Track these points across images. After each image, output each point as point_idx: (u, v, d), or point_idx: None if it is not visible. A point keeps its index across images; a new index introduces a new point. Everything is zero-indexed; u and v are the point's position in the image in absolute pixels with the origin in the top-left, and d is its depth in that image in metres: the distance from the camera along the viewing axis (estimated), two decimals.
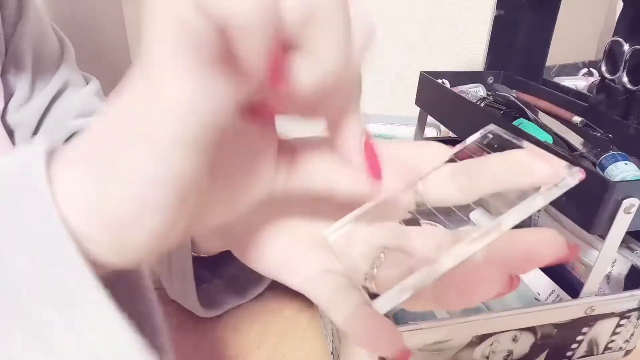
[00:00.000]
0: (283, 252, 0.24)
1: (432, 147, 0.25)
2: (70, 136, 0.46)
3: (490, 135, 0.23)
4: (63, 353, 0.15)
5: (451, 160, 0.23)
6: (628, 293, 0.32)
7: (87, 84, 0.50)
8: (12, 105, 0.43)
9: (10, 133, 0.43)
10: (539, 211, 0.42)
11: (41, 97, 0.45)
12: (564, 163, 0.19)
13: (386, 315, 0.20)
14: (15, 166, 0.16)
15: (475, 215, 0.50)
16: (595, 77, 0.58)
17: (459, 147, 0.23)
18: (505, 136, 0.22)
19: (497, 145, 0.22)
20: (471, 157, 0.23)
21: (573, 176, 0.19)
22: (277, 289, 0.41)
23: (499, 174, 0.21)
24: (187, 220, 0.18)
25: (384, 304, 0.20)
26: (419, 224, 0.24)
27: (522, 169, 0.20)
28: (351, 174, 0.21)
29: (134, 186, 0.15)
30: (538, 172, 0.20)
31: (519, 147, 0.21)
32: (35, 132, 0.45)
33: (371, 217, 0.24)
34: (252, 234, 0.25)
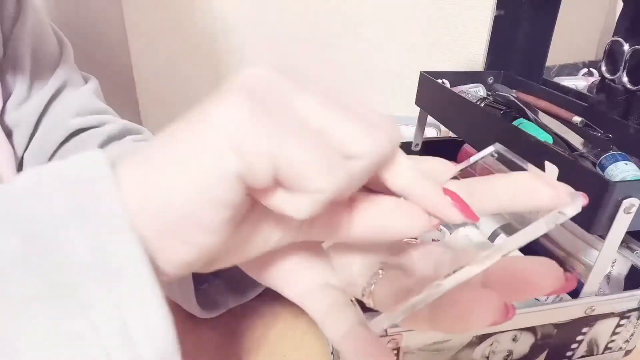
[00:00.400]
0: (282, 264, 0.24)
1: (436, 163, 0.24)
2: (69, 135, 0.46)
3: (495, 155, 0.23)
4: (103, 330, 0.15)
5: (454, 178, 0.23)
6: (628, 293, 0.32)
7: (86, 83, 0.50)
8: (10, 104, 0.43)
9: (9, 133, 0.43)
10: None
11: (40, 96, 0.44)
12: (567, 189, 0.19)
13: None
14: (78, 168, 0.17)
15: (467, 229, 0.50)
16: (595, 77, 0.58)
17: (463, 165, 0.23)
18: (510, 157, 0.22)
19: (501, 166, 0.22)
20: (474, 175, 0.23)
21: (576, 203, 0.19)
22: None
23: (502, 196, 0.21)
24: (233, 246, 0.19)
25: (380, 324, 0.20)
26: (415, 239, 0.24)
27: (526, 192, 0.20)
28: (410, 213, 0.20)
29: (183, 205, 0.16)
30: (542, 196, 0.20)
31: (523, 169, 0.21)
32: (34, 131, 0.45)
33: None
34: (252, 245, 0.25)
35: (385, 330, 0.27)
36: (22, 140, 0.44)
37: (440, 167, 0.23)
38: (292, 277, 0.24)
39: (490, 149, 0.23)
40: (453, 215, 0.20)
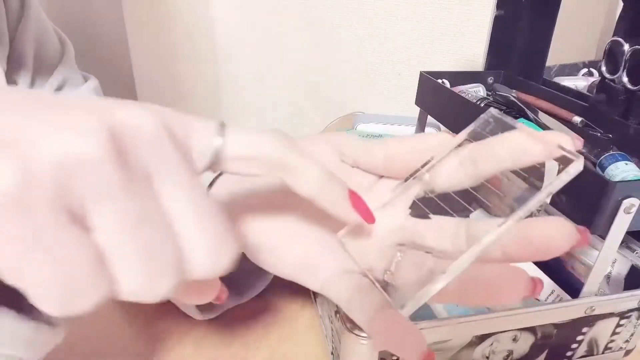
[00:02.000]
0: (302, 255, 0.25)
1: (436, 139, 0.25)
2: None
3: (492, 120, 0.24)
4: None
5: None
6: (628, 293, 0.32)
7: (86, 82, 0.50)
8: None
9: None
10: (538, 211, 0.42)
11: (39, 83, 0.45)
12: (556, 139, 0.20)
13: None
14: None
15: (475, 216, 0.50)
16: (595, 77, 0.58)
17: (462, 135, 0.24)
18: (503, 119, 0.23)
19: (496, 129, 0.23)
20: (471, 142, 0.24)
21: (574, 165, 0.20)
22: (277, 289, 0.41)
23: (501, 157, 0.22)
24: None
25: (410, 308, 0.20)
26: (428, 217, 0.25)
27: (520, 150, 0.21)
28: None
29: None
30: (534, 151, 0.21)
31: (514, 127, 0.22)
32: None
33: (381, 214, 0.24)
34: (269, 239, 0.26)
35: None
36: None
37: (440, 141, 0.25)
38: (313, 267, 0.25)
39: (486, 114, 0.24)
40: (352, 219, 0.22)
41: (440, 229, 0.24)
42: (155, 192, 0.15)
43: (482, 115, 0.24)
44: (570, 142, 0.20)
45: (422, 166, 0.25)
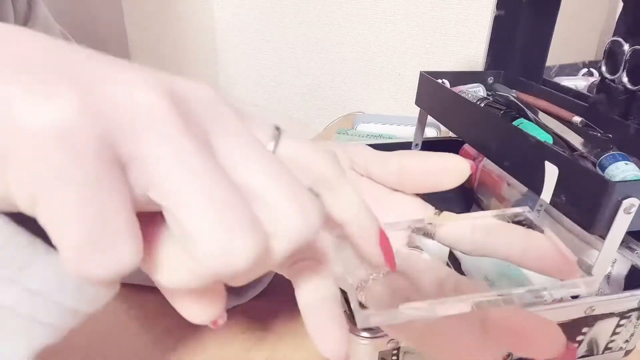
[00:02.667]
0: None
1: (453, 162, 0.25)
2: None
3: (525, 215, 0.24)
4: None
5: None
6: (628, 293, 0.32)
7: None
8: None
9: None
10: (539, 211, 0.42)
11: None
12: (576, 267, 0.20)
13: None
14: None
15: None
16: (595, 77, 0.58)
17: (488, 213, 0.24)
18: (535, 222, 0.23)
19: (526, 222, 0.23)
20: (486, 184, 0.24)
21: (587, 285, 0.19)
22: (277, 289, 0.41)
23: (514, 248, 0.21)
24: None
25: (371, 318, 0.20)
26: (420, 250, 0.25)
27: (538, 254, 0.21)
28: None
29: None
30: (553, 262, 0.21)
31: (541, 230, 0.22)
32: None
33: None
34: None
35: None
36: None
37: (458, 164, 0.26)
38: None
39: (520, 209, 0.25)
40: (379, 262, 0.21)
41: (431, 270, 0.24)
42: (216, 151, 0.14)
43: (517, 209, 0.24)
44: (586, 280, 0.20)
45: (437, 213, 0.25)
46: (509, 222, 0.24)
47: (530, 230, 0.22)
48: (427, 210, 0.27)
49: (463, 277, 0.22)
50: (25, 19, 0.43)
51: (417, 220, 0.24)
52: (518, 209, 0.24)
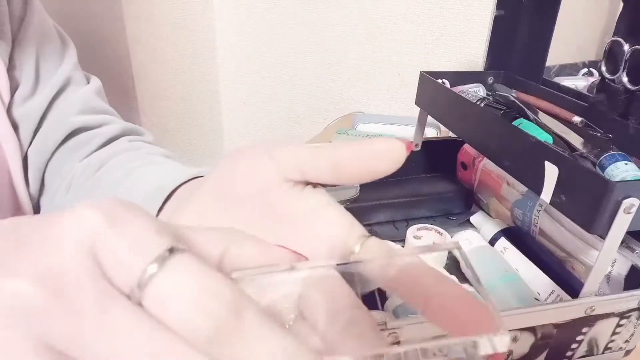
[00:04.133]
0: None
1: (384, 145, 0.24)
2: (70, 134, 0.46)
3: (454, 255, 0.21)
4: None
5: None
6: (628, 293, 0.32)
7: (88, 82, 0.50)
8: (17, 98, 0.43)
9: (15, 126, 0.44)
10: (538, 211, 0.42)
11: (45, 93, 0.45)
12: (492, 321, 0.17)
13: None
14: None
15: (476, 218, 0.50)
16: (595, 77, 0.58)
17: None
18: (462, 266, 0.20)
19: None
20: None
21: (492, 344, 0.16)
22: None
23: (418, 296, 0.19)
24: None
25: None
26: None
27: (443, 303, 0.19)
28: None
29: None
30: (460, 315, 0.18)
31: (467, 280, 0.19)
32: (37, 127, 0.45)
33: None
34: None
35: (385, 323, 0.27)
36: (26, 136, 0.45)
37: (391, 147, 0.24)
38: None
39: (451, 251, 0.21)
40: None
41: (331, 296, 0.21)
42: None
43: (449, 244, 0.21)
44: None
45: (365, 237, 0.23)
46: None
47: (442, 277, 0.19)
48: (352, 232, 0.24)
49: (363, 310, 0.20)
50: (21, 17, 0.43)
51: (342, 259, 0.22)
52: (449, 245, 0.21)
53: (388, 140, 0.24)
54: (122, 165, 0.45)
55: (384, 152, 0.24)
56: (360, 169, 0.25)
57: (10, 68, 0.42)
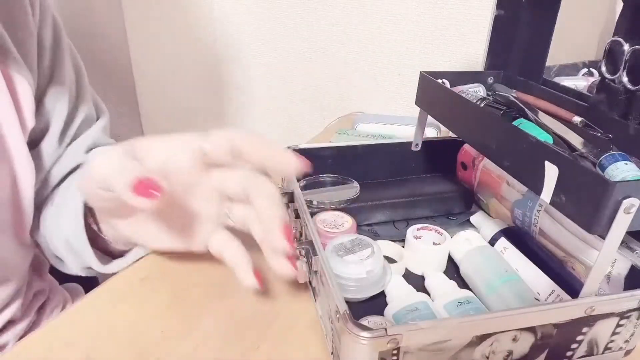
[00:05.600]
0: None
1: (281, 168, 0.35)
2: (76, 167, 0.50)
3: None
4: None
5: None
6: (628, 293, 0.32)
7: (97, 116, 0.54)
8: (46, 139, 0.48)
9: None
10: (538, 211, 0.42)
11: (67, 136, 0.50)
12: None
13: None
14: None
15: (476, 218, 0.50)
16: (595, 77, 0.58)
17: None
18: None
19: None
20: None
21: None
22: (277, 288, 0.41)
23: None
24: None
25: None
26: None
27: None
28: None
29: None
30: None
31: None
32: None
33: None
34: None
35: (385, 330, 0.27)
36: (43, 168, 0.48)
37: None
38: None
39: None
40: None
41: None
42: None
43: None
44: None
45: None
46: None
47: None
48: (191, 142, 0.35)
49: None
50: (50, 77, 0.47)
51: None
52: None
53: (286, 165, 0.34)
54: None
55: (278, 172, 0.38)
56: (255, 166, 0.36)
57: (40, 105, 0.46)
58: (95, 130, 0.51)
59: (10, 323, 0.47)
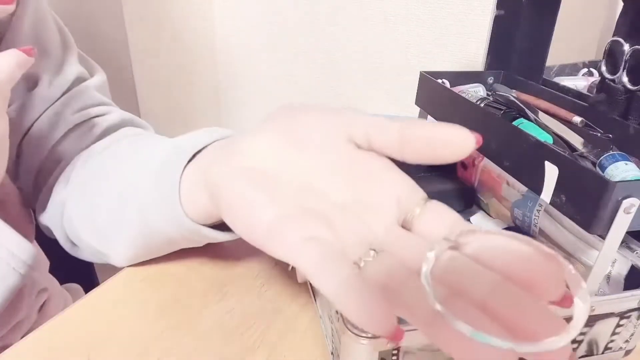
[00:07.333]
0: (269, 222, 0.23)
1: (458, 134, 0.25)
2: (69, 130, 0.46)
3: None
4: None
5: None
6: (628, 293, 0.32)
7: (92, 76, 0.51)
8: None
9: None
10: (538, 211, 0.42)
11: (55, 89, 0.45)
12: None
13: None
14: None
15: (476, 219, 0.50)
16: (595, 77, 0.58)
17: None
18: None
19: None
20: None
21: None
22: (277, 288, 0.41)
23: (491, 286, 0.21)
24: None
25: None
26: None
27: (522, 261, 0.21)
28: None
29: None
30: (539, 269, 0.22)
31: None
32: (34, 121, 0.46)
33: None
34: (240, 204, 0.25)
35: None
36: (26, 124, 0.45)
37: (461, 136, 0.25)
38: (280, 234, 0.23)
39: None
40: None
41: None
42: None
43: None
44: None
45: (424, 200, 0.26)
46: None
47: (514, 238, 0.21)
48: (414, 194, 0.26)
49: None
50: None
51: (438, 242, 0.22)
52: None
53: (459, 130, 0.25)
54: (128, 146, 0.44)
55: (456, 141, 0.25)
56: (425, 152, 0.26)
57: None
58: (89, 91, 0.48)
59: (19, 323, 0.46)
